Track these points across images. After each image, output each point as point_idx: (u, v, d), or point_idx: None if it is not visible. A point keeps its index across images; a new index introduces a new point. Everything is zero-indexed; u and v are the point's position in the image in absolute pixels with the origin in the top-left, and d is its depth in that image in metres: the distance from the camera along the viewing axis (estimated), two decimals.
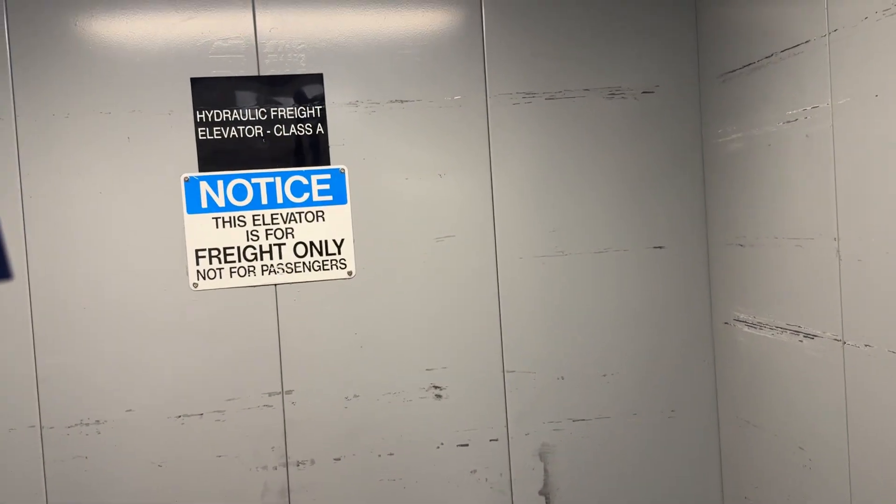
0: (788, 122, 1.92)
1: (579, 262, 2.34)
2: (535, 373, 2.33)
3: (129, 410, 2.16)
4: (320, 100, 2.24)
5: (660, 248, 2.37)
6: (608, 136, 2.34)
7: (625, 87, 2.34)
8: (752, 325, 2.17)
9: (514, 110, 2.30)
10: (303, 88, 2.24)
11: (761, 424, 2.16)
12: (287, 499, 2.23)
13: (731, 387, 2.33)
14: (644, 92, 2.35)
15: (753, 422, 2.21)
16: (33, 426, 2.12)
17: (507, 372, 2.32)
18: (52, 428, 2.13)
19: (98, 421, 2.15)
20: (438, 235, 2.29)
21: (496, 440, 2.33)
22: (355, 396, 2.27)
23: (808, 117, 1.84)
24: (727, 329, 2.31)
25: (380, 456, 2.28)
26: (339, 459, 2.26)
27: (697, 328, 2.40)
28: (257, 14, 2.19)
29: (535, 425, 2.34)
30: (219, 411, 2.20)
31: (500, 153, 2.30)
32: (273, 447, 2.23)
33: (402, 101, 2.26)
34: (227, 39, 2.18)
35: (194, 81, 2.17)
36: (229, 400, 2.21)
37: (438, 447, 2.30)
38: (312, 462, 2.25)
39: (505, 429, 2.33)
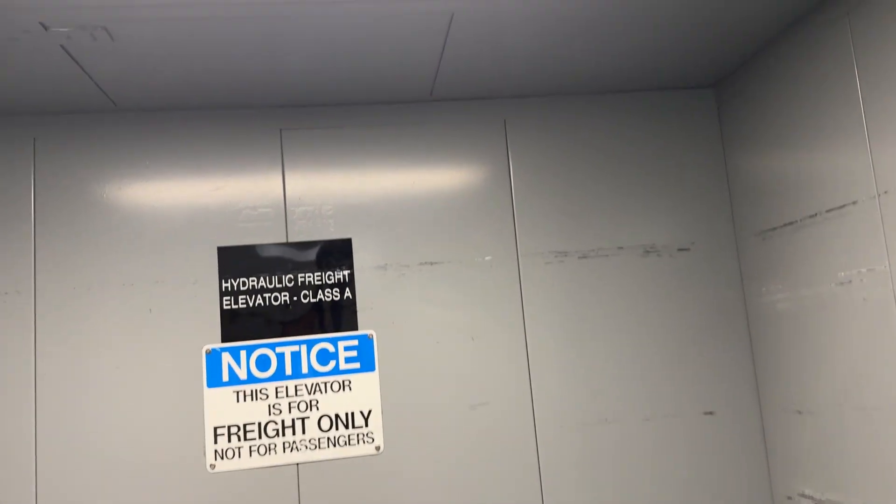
0: (842, 283, 1.83)
1: (624, 430, 2.17)
2: None
3: None
4: (348, 264, 2.18)
5: (710, 413, 2.21)
6: (646, 295, 2.25)
7: (659, 244, 2.28)
8: (819, 503, 1.97)
9: (546, 270, 2.23)
10: (331, 253, 2.19)
11: None
12: None
13: None
14: (680, 249, 2.29)
15: None
16: None
17: None
18: None
19: None
20: (472, 403, 2.15)
21: None
22: None
23: (864, 280, 1.75)
24: None
25: None
26: None
27: (754, 496, 2.19)
28: (287, 180, 2.19)
29: None
30: None
31: (534, 314, 2.20)
32: None
33: (431, 263, 2.20)
34: (256, 207, 2.16)
35: (221, 250, 2.13)
36: None
37: None
38: None
39: None
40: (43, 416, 1.98)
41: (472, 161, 2.27)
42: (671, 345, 2.23)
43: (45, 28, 1.57)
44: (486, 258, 2.22)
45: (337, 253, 2.19)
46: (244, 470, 2.04)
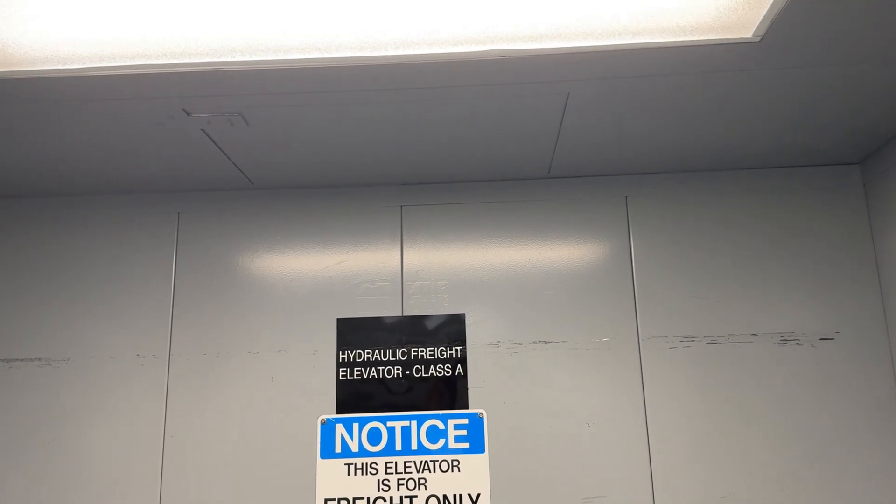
0: None
1: None
2: None
3: None
4: (461, 340, 2.17)
5: None
6: (782, 388, 2.05)
7: (799, 332, 2.09)
8: None
9: (670, 355, 2.10)
10: (445, 328, 2.18)
11: None
12: None
13: None
14: (822, 338, 2.08)
15: None
16: None
17: None
18: None
19: None
20: (587, 496, 2.02)
21: None
22: None
23: None
24: None
25: None
26: None
27: None
28: (405, 255, 2.23)
29: None
30: None
31: (656, 402, 2.07)
32: None
33: (545, 343, 2.14)
34: (374, 282, 2.21)
35: (340, 321, 2.19)
36: None
37: None
38: None
39: None
40: (168, 475, 2.07)
41: (590, 239, 2.21)
42: (814, 444, 2.01)
43: (188, 114, 1.72)
44: (604, 339, 2.13)
45: (450, 328, 2.19)
46: None
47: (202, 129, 1.83)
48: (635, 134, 1.94)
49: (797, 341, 2.08)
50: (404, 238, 2.25)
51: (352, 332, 2.19)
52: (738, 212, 2.19)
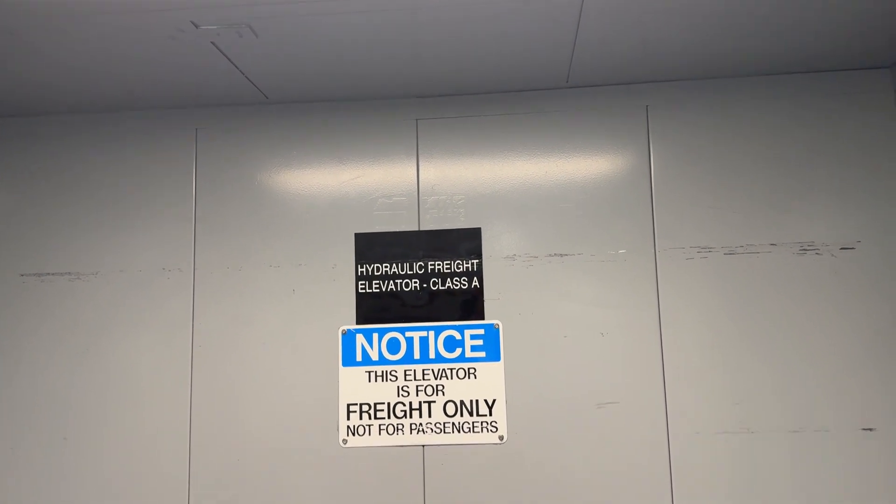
0: None
1: (769, 442, 2.00)
2: None
3: None
4: (477, 253, 2.19)
5: (869, 430, 1.98)
6: (801, 297, 2.05)
7: (819, 242, 2.07)
8: None
9: (687, 265, 2.10)
10: (461, 242, 2.20)
11: None
12: None
13: None
14: (843, 248, 2.06)
15: None
16: None
17: None
18: None
19: None
20: (600, 401, 2.08)
21: None
22: None
23: None
24: None
25: None
26: None
27: None
28: (421, 170, 2.23)
29: None
30: None
31: (671, 312, 2.09)
32: None
33: (561, 255, 2.15)
34: (391, 196, 2.22)
35: (358, 236, 2.22)
36: None
37: None
38: None
39: None
40: (197, 384, 2.17)
41: (609, 150, 2.18)
42: (829, 353, 2.02)
43: (196, 26, 1.70)
44: (621, 251, 2.13)
45: (466, 242, 2.20)
46: (373, 447, 2.12)
47: (212, 42, 1.81)
48: (655, 39, 1.88)
49: (817, 251, 2.06)
50: (420, 152, 2.24)
51: (369, 247, 2.22)
52: (761, 119, 2.13)
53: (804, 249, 2.07)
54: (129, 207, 2.27)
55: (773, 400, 2.02)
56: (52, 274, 2.25)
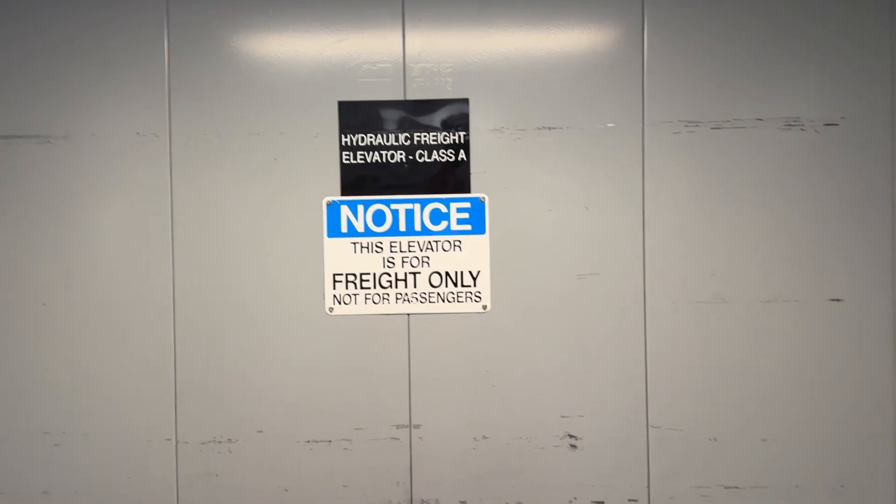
0: None
1: (741, 311, 2.10)
2: (684, 431, 2.11)
3: (260, 431, 2.16)
4: (464, 125, 2.15)
5: (837, 300, 2.09)
6: (782, 173, 2.09)
7: (804, 117, 2.08)
8: None
9: (673, 140, 2.11)
10: (448, 113, 2.16)
11: None
12: None
13: None
14: (826, 124, 2.08)
15: None
16: (169, 440, 2.16)
17: (652, 427, 2.12)
18: (186, 443, 2.16)
19: (230, 439, 2.16)
20: (581, 273, 2.13)
21: (635, 501, 2.13)
22: (484, 438, 2.15)
23: None
24: None
25: None
26: (464, 502, 2.15)
27: (878, 395, 2.09)
28: (407, 35, 2.14)
29: (680, 488, 2.12)
30: (346, 440, 2.15)
31: (655, 186, 2.11)
32: (398, 482, 2.15)
33: (549, 128, 2.13)
34: (375, 63, 2.14)
35: (342, 105, 2.15)
36: (357, 429, 2.15)
37: (571, 502, 2.14)
38: (437, 502, 2.15)
39: (646, 489, 2.13)
40: (179, 253, 2.14)
41: (603, 19, 2.12)
42: (804, 226, 2.09)
43: None
44: (609, 125, 2.12)
45: (453, 113, 2.16)
46: (359, 315, 2.15)
47: None
48: None
49: (801, 126, 2.09)
50: (406, 16, 2.14)
51: (353, 116, 2.16)
52: None
53: (789, 125, 2.09)
54: (98, 69, 2.13)
55: (747, 272, 2.10)
56: (20, 136, 2.14)
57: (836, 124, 2.08)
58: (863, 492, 2.10)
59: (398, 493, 2.15)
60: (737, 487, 2.11)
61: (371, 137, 2.16)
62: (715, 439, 2.11)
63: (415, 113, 2.16)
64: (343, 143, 2.15)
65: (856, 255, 2.09)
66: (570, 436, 2.13)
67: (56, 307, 2.15)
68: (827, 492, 2.11)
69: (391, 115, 2.16)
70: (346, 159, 2.16)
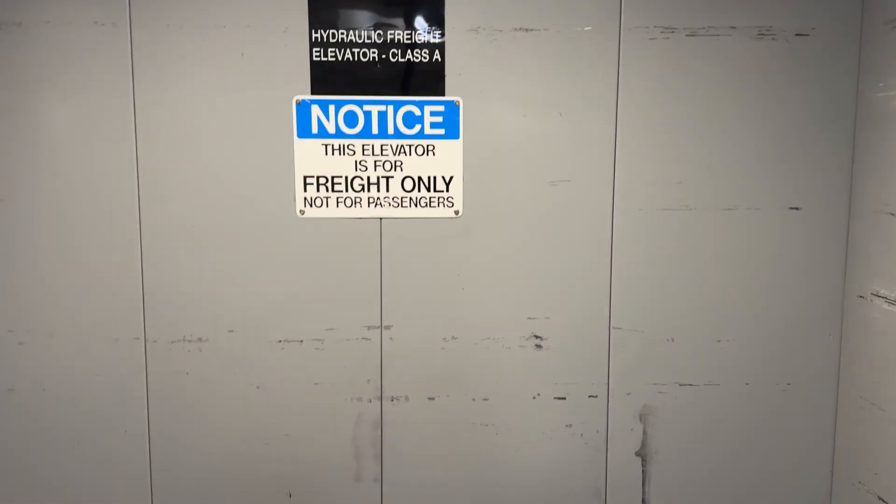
0: None
1: (704, 219, 2.17)
2: (643, 332, 2.21)
3: (231, 331, 2.17)
4: (440, 24, 2.10)
5: (796, 209, 2.17)
6: (752, 82, 2.11)
7: (776, 27, 2.10)
8: (892, 303, 1.98)
9: (649, 46, 2.10)
10: (422, 11, 2.09)
11: (887, 408, 2.00)
12: (380, 432, 2.22)
13: (856, 365, 2.16)
14: (798, 34, 2.10)
15: (879, 404, 2.04)
16: (138, 338, 2.15)
17: (614, 328, 2.21)
18: (155, 342, 2.16)
19: (200, 339, 2.17)
20: (553, 179, 2.15)
21: (595, 397, 2.24)
22: (453, 338, 2.21)
23: None
24: (862, 303, 2.12)
25: (474, 400, 2.23)
26: (433, 399, 2.22)
27: (826, 299, 2.22)
28: None
29: (637, 386, 2.24)
30: (318, 339, 2.18)
31: (629, 94, 2.12)
32: (369, 380, 2.21)
33: (526, 30, 2.10)
34: None
35: None
36: (329, 329, 2.18)
37: (535, 398, 2.24)
38: (406, 399, 2.22)
39: (606, 386, 2.24)
40: (143, 146, 2.08)
41: None
42: (769, 137, 2.14)
43: None
44: (586, 28, 2.09)
45: (429, 11, 2.10)
46: (331, 219, 2.14)
47: None
48: None
49: (773, 36, 2.10)
50: None
51: (324, 10, 2.08)
52: None
53: (761, 34, 2.10)
54: None
55: (712, 180, 2.16)
56: None
57: (807, 35, 2.10)
58: (807, 391, 2.26)
59: (369, 390, 2.21)
60: (691, 385, 2.24)
61: (343, 34, 2.09)
62: (672, 340, 2.22)
63: (388, 10, 2.09)
64: (313, 39, 2.08)
65: (816, 166, 2.16)
66: (536, 336, 2.21)
67: (14, 204, 2.08)
68: (775, 389, 2.25)
69: (364, 11, 2.09)
70: (317, 56, 2.09)
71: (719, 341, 2.23)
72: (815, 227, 2.18)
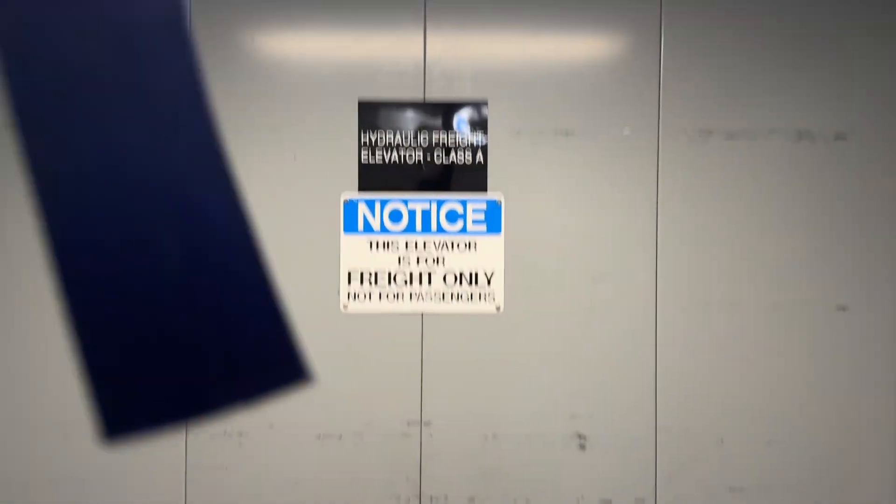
0: None
1: (751, 316, 2.15)
2: (692, 431, 2.16)
3: (271, 425, 2.17)
4: (483, 127, 2.18)
5: (843, 308, 2.14)
6: (792, 182, 2.14)
7: (815, 130, 2.14)
8: None
9: (688, 147, 2.15)
10: (466, 115, 2.19)
11: None
12: None
13: None
14: (837, 137, 2.14)
15: None
16: (178, 430, 2.16)
17: (660, 428, 2.16)
18: (195, 434, 2.16)
19: (241, 433, 2.17)
20: (595, 275, 2.17)
21: (642, 500, 2.16)
22: (494, 436, 2.17)
23: None
24: None
25: (515, 501, 2.17)
26: (473, 500, 2.17)
27: (882, 401, 2.15)
28: (428, 37, 2.17)
29: (687, 489, 2.16)
30: (357, 434, 2.17)
31: (668, 192, 2.15)
32: (408, 478, 2.17)
33: (566, 133, 2.17)
34: (396, 63, 2.17)
35: (362, 104, 2.17)
36: (368, 424, 2.17)
37: (579, 500, 2.17)
38: (446, 499, 2.17)
39: (653, 489, 2.16)
40: None
41: (621, 26, 2.16)
42: (813, 235, 2.14)
43: None
44: (625, 131, 2.16)
45: (472, 115, 2.19)
46: (374, 314, 2.17)
47: None
48: None
49: (812, 138, 2.14)
50: (428, 19, 2.17)
51: (373, 115, 2.18)
52: (771, 4, 2.14)
53: (800, 136, 2.14)
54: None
55: (757, 278, 2.15)
56: None
57: (846, 137, 2.14)
58: (862, 494, 2.15)
59: (407, 488, 2.17)
60: (742, 489, 2.16)
61: (390, 137, 2.19)
62: (722, 441, 2.15)
63: (433, 114, 2.19)
64: (362, 142, 2.18)
65: (862, 265, 2.14)
66: (580, 435, 2.17)
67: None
68: (828, 493, 2.16)
69: (410, 116, 2.19)
70: (365, 158, 2.19)
71: (770, 443, 2.15)
72: (864, 327, 2.14)
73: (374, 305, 2.18)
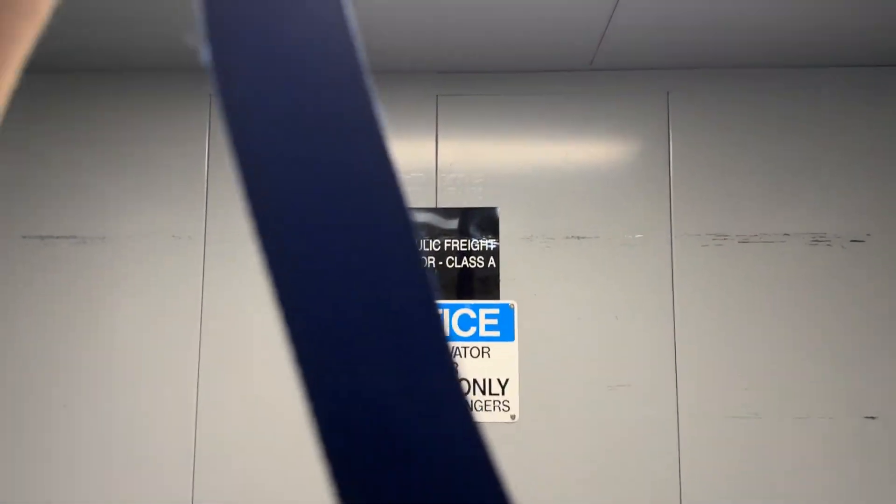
0: None
1: (776, 428, 2.06)
2: None
3: None
4: (494, 233, 2.18)
5: (872, 418, 2.05)
6: (811, 287, 2.10)
7: (831, 233, 2.12)
8: None
9: (702, 252, 2.13)
10: (477, 221, 2.19)
11: None
12: None
13: None
14: (853, 240, 2.11)
15: None
16: None
17: None
18: None
19: None
20: (612, 383, 2.11)
21: None
22: None
23: None
24: None
25: None
26: None
27: None
28: (440, 146, 2.21)
29: None
30: None
31: (684, 297, 2.12)
32: None
33: (578, 238, 2.16)
34: (409, 172, 2.19)
35: None
36: None
37: None
38: None
39: None
40: (206, 355, 2.13)
41: (629, 134, 2.19)
42: (836, 343, 2.08)
43: None
44: (637, 236, 2.15)
45: (483, 221, 2.20)
46: None
47: None
48: (686, 23, 1.89)
49: (828, 242, 2.12)
50: (439, 129, 2.22)
51: None
52: (779, 110, 2.17)
53: (816, 241, 2.12)
54: (139, 171, 2.19)
55: (780, 386, 2.08)
56: (56, 237, 2.16)
57: (863, 241, 2.11)
58: None
59: None
60: None
61: None
62: None
63: (445, 220, 2.20)
64: None
65: (890, 373, 2.07)
66: None
67: (77, 409, 2.11)
68: None
69: (421, 222, 2.20)
70: None
71: None
72: (893, 437, 2.04)
73: None
